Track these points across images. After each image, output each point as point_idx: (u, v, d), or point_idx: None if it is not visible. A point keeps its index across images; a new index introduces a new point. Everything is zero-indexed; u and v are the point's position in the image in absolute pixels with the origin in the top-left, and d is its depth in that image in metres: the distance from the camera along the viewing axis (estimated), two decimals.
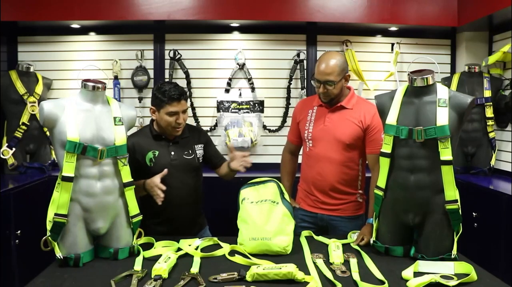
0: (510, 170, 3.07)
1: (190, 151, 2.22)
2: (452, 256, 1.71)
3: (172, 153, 2.18)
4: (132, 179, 1.83)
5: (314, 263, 1.71)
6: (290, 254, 1.82)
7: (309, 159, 2.28)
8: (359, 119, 2.18)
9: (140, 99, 3.42)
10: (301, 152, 2.43)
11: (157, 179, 2.02)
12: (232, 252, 1.82)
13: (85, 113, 1.75)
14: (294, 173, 2.48)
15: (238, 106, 3.41)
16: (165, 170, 2.06)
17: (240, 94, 3.45)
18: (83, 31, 3.41)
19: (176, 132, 2.17)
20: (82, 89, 1.79)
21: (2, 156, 3.08)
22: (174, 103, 2.08)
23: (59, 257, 1.67)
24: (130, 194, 1.83)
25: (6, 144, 3.10)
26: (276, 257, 1.78)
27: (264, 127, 3.46)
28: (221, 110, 3.41)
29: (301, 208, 2.33)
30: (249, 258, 1.74)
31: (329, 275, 1.58)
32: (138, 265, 1.66)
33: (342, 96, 2.22)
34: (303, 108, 2.36)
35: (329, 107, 2.23)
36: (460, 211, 1.73)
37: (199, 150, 2.26)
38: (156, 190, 2.00)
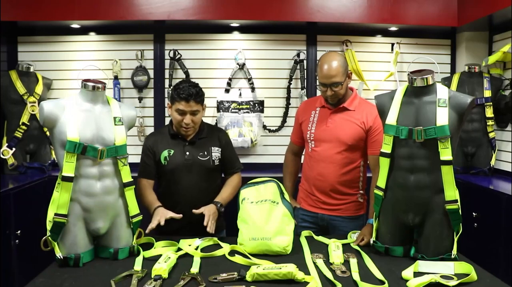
0: (510, 170, 3.07)
1: (205, 153, 2.18)
2: (452, 256, 1.71)
3: (187, 153, 2.16)
4: (132, 179, 1.83)
5: (314, 263, 1.71)
6: (290, 254, 1.82)
7: (311, 159, 2.28)
8: (361, 121, 2.18)
9: (140, 99, 3.42)
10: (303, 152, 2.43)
11: (168, 214, 1.97)
12: (232, 252, 1.82)
13: (85, 113, 1.75)
14: (297, 174, 2.48)
15: (238, 106, 3.41)
16: (180, 215, 1.98)
17: (240, 94, 3.44)
18: (83, 31, 3.40)
19: (184, 132, 2.15)
20: (82, 89, 1.79)
21: (2, 156, 3.08)
22: (182, 102, 2.08)
23: (59, 257, 1.67)
24: (130, 194, 1.82)
25: (6, 144, 3.10)
26: (276, 257, 1.78)
27: (264, 127, 3.46)
28: (221, 110, 3.40)
29: (302, 208, 2.33)
30: (249, 258, 1.74)
31: (329, 275, 1.58)
32: (138, 265, 1.66)
33: (345, 97, 2.22)
34: (306, 109, 2.36)
35: (332, 108, 2.23)
36: (460, 211, 1.73)
37: (216, 152, 2.21)
38: (155, 221, 1.94)
